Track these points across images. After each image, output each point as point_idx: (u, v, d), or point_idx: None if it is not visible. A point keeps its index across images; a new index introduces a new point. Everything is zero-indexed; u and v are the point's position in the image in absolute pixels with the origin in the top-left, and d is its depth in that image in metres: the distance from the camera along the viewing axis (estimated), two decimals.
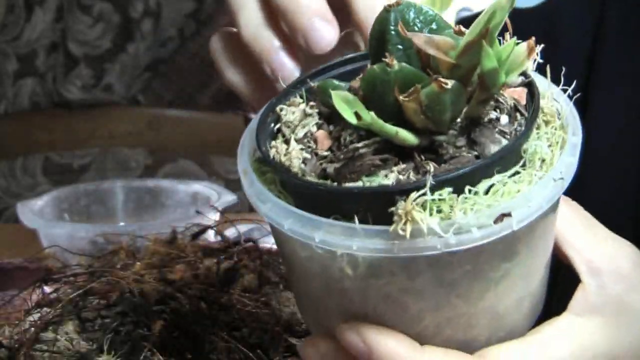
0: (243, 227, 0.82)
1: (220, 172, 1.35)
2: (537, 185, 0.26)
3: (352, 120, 0.26)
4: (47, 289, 0.46)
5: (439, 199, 0.25)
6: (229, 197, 0.73)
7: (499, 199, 0.26)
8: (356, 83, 0.30)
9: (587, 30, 0.57)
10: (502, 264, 0.28)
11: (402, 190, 0.25)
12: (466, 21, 0.64)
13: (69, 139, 1.31)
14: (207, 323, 0.42)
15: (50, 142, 1.30)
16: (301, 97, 0.33)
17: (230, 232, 0.60)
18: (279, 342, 0.46)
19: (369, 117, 0.26)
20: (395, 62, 0.27)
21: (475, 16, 0.66)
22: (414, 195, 0.25)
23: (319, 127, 0.31)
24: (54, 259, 0.52)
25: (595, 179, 0.56)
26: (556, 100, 0.31)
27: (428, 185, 0.25)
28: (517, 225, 0.26)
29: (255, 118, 0.34)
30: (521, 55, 0.28)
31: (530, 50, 0.28)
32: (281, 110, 0.32)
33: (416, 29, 0.30)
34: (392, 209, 0.25)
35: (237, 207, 1.36)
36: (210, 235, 0.58)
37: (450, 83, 0.26)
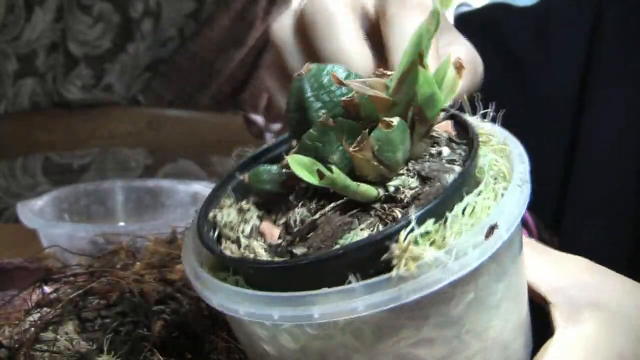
0: None
1: (220, 172, 1.35)
2: (506, 196, 0.27)
3: (314, 180, 0.26)
4: (47, 289, 0.46)
5: (426, 232, 0.25)
6: None
7: (479, 216, 0.26)
8: (285, 162, 0.28)
9: (584, 29, 0.57)
10: (497, 284, 0.28)
11: (391, 234, 0.24)
12: (464, 17, 0.64)
13: (69, 139, 1.31)
14: (207, 323, 0.42)
15: (50, 142, 1.30)
16: (228, 197, 0.32)
17: None
18: None
19: (334, 172, 0.25)
20: (330, 119, 0.27)
21: (475, 12, 0.65)
22: (403, 234, 0.24)
23: (261, 219, 0.30)
24: (54, 259, 0.52)
25: (595, 179, 0.56)
26: (481, 123, 0.31)
27: (414, 220, 0.24)
28: (507, 233, 0.26)
29: (187, 235, 0.32)
30: (452, 77, 0.28)
31: (459, 70, 0.27)
32: (214, 216, 0.31)
33: (333, 88, 0.29)
34: (385, 256, 0.24)
35: None
36: None
37: (395, 120, 0.26)
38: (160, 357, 0.39)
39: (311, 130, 0.27)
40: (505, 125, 0.31)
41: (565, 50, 0.57)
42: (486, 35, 0.59)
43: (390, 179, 0.27)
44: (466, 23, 0.62)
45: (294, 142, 0.30)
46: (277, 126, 1.45)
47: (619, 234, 0.55)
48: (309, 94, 0.29)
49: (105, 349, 0.39)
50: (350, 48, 0.35)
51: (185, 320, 0.41)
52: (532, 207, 0.64)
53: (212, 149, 1.36)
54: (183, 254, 0.30)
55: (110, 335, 0.40)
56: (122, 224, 0.80)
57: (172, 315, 0.41)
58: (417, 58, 0.26)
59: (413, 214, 0.25)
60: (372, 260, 0.25)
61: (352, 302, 0.24)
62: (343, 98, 0.28)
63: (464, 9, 0.64)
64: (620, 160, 0.55)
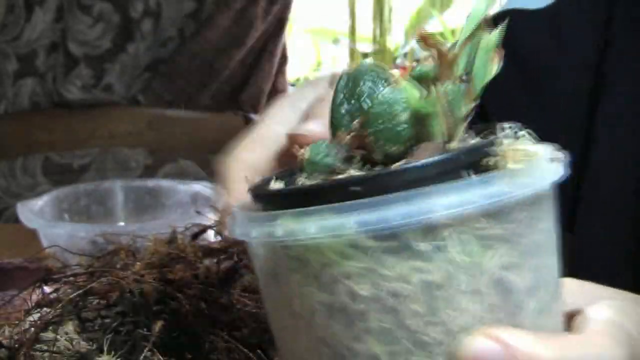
0: None
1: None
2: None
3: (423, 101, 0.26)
4: (47, 289, 0.46)
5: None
6: None
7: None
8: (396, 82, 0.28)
9: (595, 31, 0.57)
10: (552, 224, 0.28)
11: (494, 140, 0.26)
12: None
13: (69, 139, 1.31)
14: (207, 323, 0.42)
15: (50, 142, 1.30)
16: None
17: None
18: None
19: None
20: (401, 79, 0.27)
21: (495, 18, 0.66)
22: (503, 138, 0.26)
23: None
24: (54, 259, 0.52)
25: (605, 179, 0.56)
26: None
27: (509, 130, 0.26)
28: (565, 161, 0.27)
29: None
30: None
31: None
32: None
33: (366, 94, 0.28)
34: (491, 158, 0.25)
35: None
36: (210, 235, 0.58)
37: (464, 77, 0.26)
38: (160, 357, 0.39)
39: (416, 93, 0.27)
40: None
41: (577, 53, 0.57)
42: (500, 42, 0.60)
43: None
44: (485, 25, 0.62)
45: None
46: None
47: (620, 235, 0.55)
48: (340, 100, 0.28)
49: (105, 349, 0.39)
50: None
51: (185, 320, 0.41)
52: None
53: (212, 149, 1.35)
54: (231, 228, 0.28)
55: (110, 335, 0.40)
56: (122, 224, 0.80)
57: (172, 315, 0.41)
58: (483, 22, 0.27)
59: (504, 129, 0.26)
60: (478, 164, 0.25)
61: (470, 193, 0.23)
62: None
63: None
64: (629, 163, 0.55)
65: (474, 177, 0.24)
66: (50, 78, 1.32)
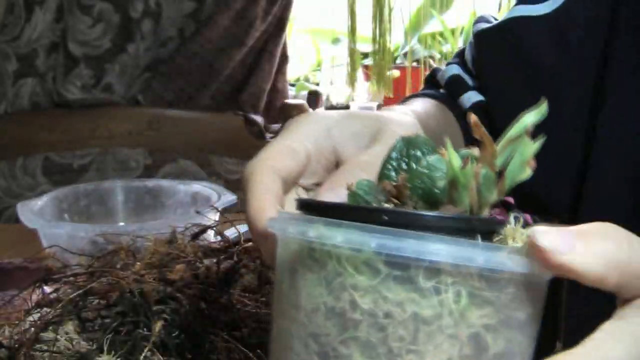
0: (243, 227, 0.82)
1: (220, 172, 1.35)
2: None
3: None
4: (47, 289, 0.46)
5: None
6: (229, 197, 0.73)
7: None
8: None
9: (599, 33, 0.57)
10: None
11: (503, 221, 0.30)
12: (484, 35, 0.65)
13: (69, 139, 1.31)
14: (207, 323, 0.42)
15: (50, 142, 1.30)
16: None
17: (230, 232, 0.60)
18: None
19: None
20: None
21: (495, 29, 0.67)
22: (513, 221, 0.29)
23: None
24: (54, 259, 0.52)
25: (607, 178, 0.56)
26: None
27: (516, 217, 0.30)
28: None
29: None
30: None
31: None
32: None
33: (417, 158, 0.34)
34: (496, 236, 0.29)
35: (237, 207, 1.36)
36: (210, 235, 0.58)
37: (497, 167, 0.30)
38: (161, 357, 0.39)
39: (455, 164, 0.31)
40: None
41: (581, 56, 0.58)
42: (508, 52, 0.60)
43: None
44: (487, 41, 0.62)
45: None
46: (277, 126, 1.45)
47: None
48: (393, 157, 0.34)
49: (105, 349, 0.39)
50: None
51: (185, 320, 0.41)
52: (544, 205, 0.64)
53: (212, 149, 1.36)
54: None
55: (110, 335, 0.40)
56: (122, 224, 0.80)
57: (172, 315, 0.41)
58: (525, 133, 0.30)
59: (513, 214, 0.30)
60: (488, 235, 0.29)
61: (474, 253, 0.27)
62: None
63: (482, 25, 0.65)
64: (634, 164, 0.56)
65: (481, 242, 0.28)
66: (50, 78, 1.32)
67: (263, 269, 0.51)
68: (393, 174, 0.34)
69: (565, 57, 0.59)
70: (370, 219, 0.28)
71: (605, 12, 0.57)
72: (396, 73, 1.74)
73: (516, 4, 0.63)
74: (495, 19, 0.67)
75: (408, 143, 0.34)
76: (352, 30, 1.69)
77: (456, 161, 0.30)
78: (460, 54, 0.68)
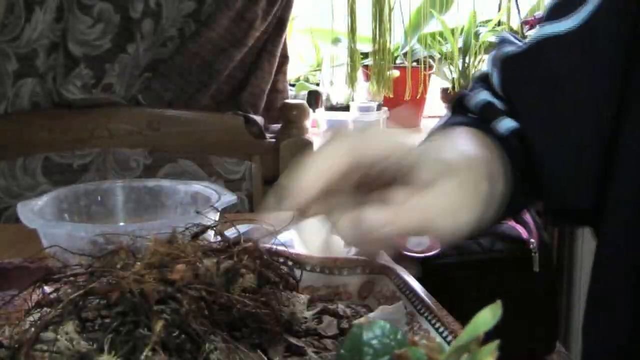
0: (243, 227, 0.82)
1: (220, 172, 1.35)
2: None
3: None
4: (47, 289, 0.46)
5: None
6: (229, 197, 0.73)
7: None
8: None
9: (624, 46, 0.58)
10: None
11: None
12: (513, 60, 0.66)
13: (69, 139, 1.31)
14: (207, 323, 0.42)
15: (50, 142, 1.30)
16: None
17: (230, 232, 0.60)
18: (279, 342, 0.46)
19: None
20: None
21: (523, 53, 0.69)
22: None
23: None
24: (54, 259, 0.52)
25: (635, 191, 0.57)
26: None
27: None
28: None
29: None
30: None
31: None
32: None
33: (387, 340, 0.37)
34: None
35: (237, 207, 1.36)
36: (210, 235, 0.58)
37: None
38: (162, 356, 0.39)
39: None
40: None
41: (606, 69, 0.59)
42: (538, 74, 0.61)
43: None
44: (516, 65, 0.63)
45: None
46: (277, 126, 1.45)
47: None
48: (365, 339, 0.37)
49: (105, 348, 0.39)
50: None
51: (185, 320, 0.41)
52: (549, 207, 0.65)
53: (212, 149, 1.36)
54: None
55: (110, 335, 0.40)
56: (122, 224, 0.80)
57: (172, 315, 0.41)
58: (475, 340, 0.32)
59: None
60: None
61: None
62: (396, 351, 0.34)
63: (507, 48, 0.65)
64: None
65: None
66: (50, 78, 1.32)
67: (263, 269, 0.51)
68: (371, 350, 0.36)
69: (591, 71, 0.59)
70: None
71: (630, 25, 0.58)
72: (396, 73, 1.74)
73: (541, 22, 0.64)
74: (517, 38, 0.67)
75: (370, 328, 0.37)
76: (352, 30, 1.69)
77: None
78: (484, 78, 0.68)
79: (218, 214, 0.64)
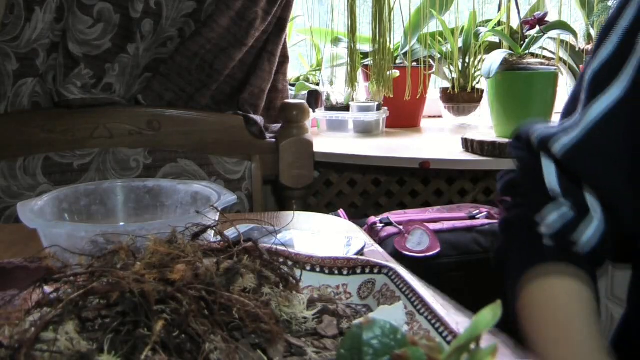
0: (243, 227, 0.82)
1: (220, 172, 1.35)
2: None
3: None
4: (48, 289, 0.46)
5: None
6: (229, 197, 0.73)
7: None
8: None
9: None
10: None
11: None
12: (572, 151, 0.67)
13: (69, 139, 1.31)
14: (207, 323, 0.42)
15: (50, 142, 1.30)
16: None
17: (230, 232, 0.60)
18: (279, 342, 0.46)
19: None
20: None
21: (582, 139, 0.69)
22: None
23: None
24: (54, 259, 0.52)
25: None
26: None
27: None
28: None
29: None
30: None
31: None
32: None
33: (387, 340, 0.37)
34: None
35: (237, 207, 1.36)
36: (210, 235, 0.58)
37: None
38: (163, 355, 0.39)
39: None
40: None
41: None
42: (605, 158, 0.62)
43: None
44: (580, 155, 0.63)
45: None
46: (277, 126, 1.45)
47: None
48: (365, 339, 0.37)
49: (105, 348, 0.39)
50: None
51: (185, 320, 0.41)
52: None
53: (212, 149, 1.36)
54: None
55: (110, 335, 0.40)
56: (122, 224, 0.80)
57: (172, 315, 0.41)
58: (475, 339, 0.32)
59: None
60: None
61: None
62: (396, 351, 0.34)
63: (559, 142, 0.64)
64: None
65: None
66: (50, 78, 1.32)
67: (263, 269, 0.51)
68: (371, 350, 0.36)
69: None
70: None
71: None
72: (396, 73, 1.74)
73: (588, 96, 0.63)
74: (549, 127, 0.67)
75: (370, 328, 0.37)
76: (352, 30, 1.69)
77: None
78: (532, 186, 0.68)
79: (218, 214, 0.64)
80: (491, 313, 0.32)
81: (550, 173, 0.65)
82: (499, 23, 1.77)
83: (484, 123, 1.84)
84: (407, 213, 1.40)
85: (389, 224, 1.33)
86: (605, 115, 0.60)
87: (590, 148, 0.62)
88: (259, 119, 1.40)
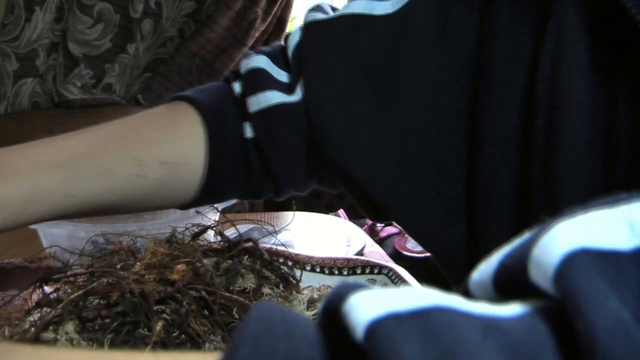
0: (243, 227, 0.82)
1: None
2: None
3: None
4: (48, 289, 0.46)
5: None
6: None
7: None
8: None
9: (442, 32, 0.52)
10: None
11: None
12: (316, 25, 0.57)
13: None
14: (207, 323, 0.42)
15: None
16: None
17: (230, 232, 0.60)
18: None
19: None
20: None
21: (327, 22, 0.59)
22: None
23: None
24: (54, 259, 0.52)
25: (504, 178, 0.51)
26: None
27: None
28: None
29: None
30: None
31: None
32: None
33: None
34: None
35: (237, 207, 1.36)
36: (210, 235, 0.58)
37: None
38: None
39: None
40: None
41: (421, 54, 0.52)
42: (341, 49, 0.55)
43: None
44: (319, 33, 0.57)
45: None
46: None
47: None
48: None
49: (105, 348, 0.39)
50: None
51: (185, 320, 0.41)
52: None
53: None
54: None
55: (110, 335, 0.40)
56: (122, 224, 0.80)
57: (172, 315, 0.41)
58: None
59: None
60: None
61: None
62: None
63: (318, 15, 0.58)
64: None
65: None
66: (50, 78, 1.32)
67: (263, 269, 0.51)
68: None
69: (401, 60, 0.54)
70: None
71: (442, 13, 0.53)
72: None
73: None
74: (333, 9, 0.60)
75: None
76: None
77: None
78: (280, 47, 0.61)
79: (218, 214, 0.64)
80: None
81: (293, 39, 0.58)
82: None
83: None
84: None
85: (389, 224, 1.33)
86: (363, 16, 0.54)
87: (330, 30, 0.55)
88: None
